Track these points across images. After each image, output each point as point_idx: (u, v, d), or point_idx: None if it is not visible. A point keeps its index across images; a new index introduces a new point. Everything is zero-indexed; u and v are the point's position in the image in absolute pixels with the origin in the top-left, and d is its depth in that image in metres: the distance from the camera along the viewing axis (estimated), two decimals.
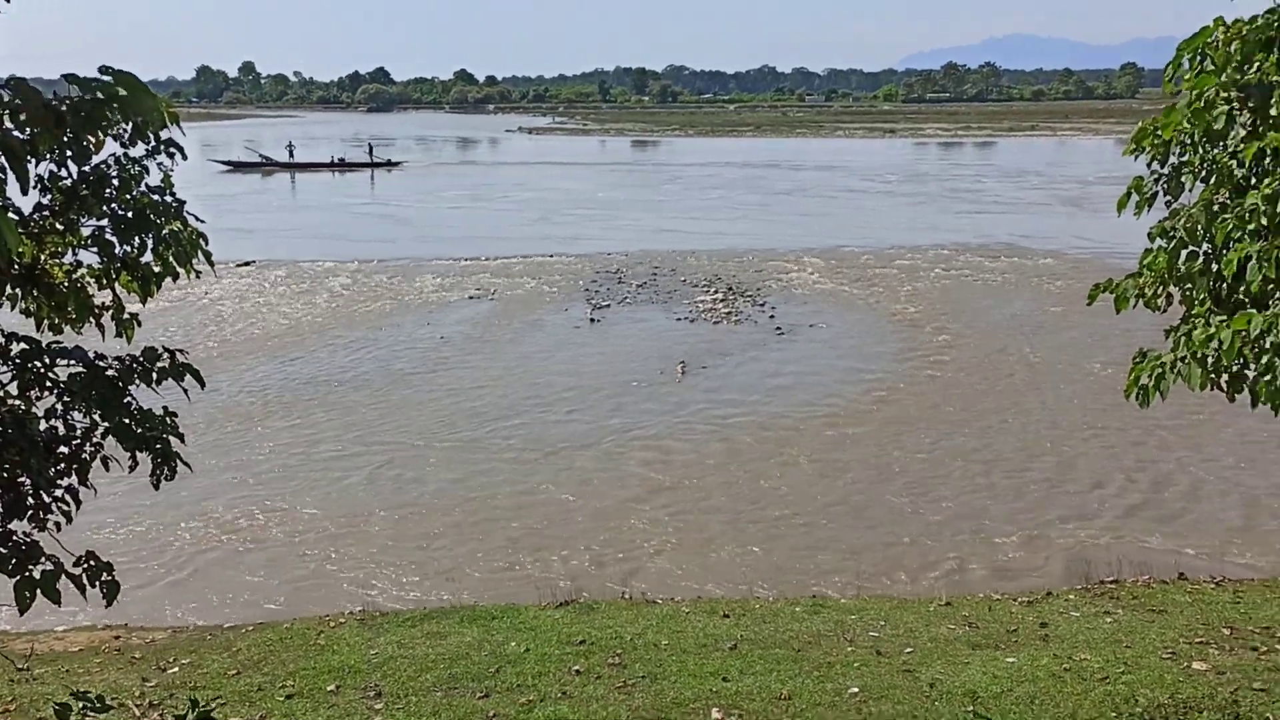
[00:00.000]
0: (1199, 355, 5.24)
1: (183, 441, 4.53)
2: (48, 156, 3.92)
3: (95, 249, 4.33)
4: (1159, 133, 5.75)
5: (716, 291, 27.20)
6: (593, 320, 24.47)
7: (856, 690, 6.87)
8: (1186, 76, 5.31)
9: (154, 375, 4.40)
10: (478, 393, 18.34)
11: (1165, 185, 5.76)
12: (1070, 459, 14.02)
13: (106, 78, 3.52)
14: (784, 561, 10.90)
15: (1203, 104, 5.12)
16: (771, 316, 24.22)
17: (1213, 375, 5.34)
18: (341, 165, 64.54)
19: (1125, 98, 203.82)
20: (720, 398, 17.76)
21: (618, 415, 16.55)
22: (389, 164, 65.72)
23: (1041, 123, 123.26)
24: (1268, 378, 4.94)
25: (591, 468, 13.96)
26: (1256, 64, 5.08)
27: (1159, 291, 5.70)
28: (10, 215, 3.75)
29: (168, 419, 4.48)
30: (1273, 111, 4.99)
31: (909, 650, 7.69)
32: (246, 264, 29.72)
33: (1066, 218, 40.38)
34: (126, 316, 4.58)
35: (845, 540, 11.57)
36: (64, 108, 3.43)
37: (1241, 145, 5.13)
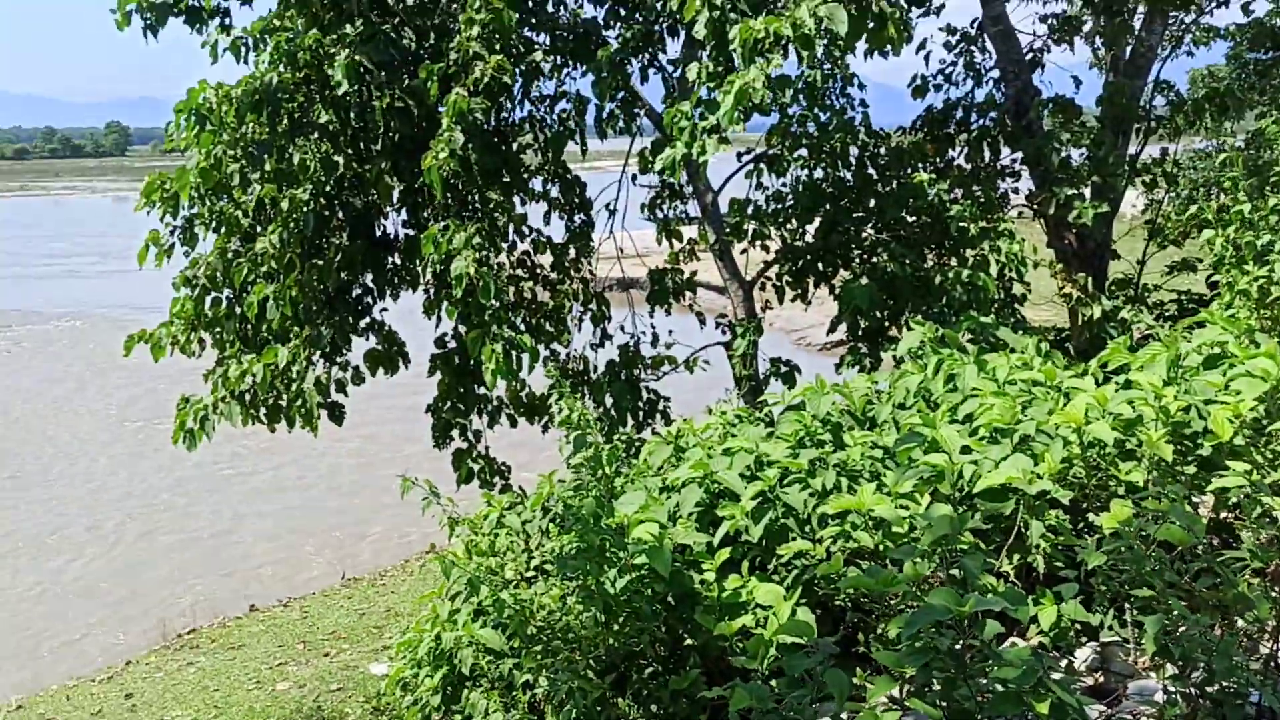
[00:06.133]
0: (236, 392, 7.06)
1: None
2: None
3: None
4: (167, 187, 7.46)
5: None
6: None
7: None
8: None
9: None
10: None
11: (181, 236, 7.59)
12: (134, 521, 16.05)
13: None
14: None
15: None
16: None
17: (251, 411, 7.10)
18: None
19: (116, 155, 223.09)
20: None
21: None
22: None
23: (31, 181, 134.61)
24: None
25: None
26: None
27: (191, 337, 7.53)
28: None
29: None
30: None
31: None
32: None
33: (76, 280, 42.83)
34: None
35: None
36: None
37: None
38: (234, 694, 8.53)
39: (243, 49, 7.78)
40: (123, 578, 15.05)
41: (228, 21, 7.93)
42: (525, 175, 8.16)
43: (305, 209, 7.22)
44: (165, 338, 7.79)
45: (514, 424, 8.65)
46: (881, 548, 4.39)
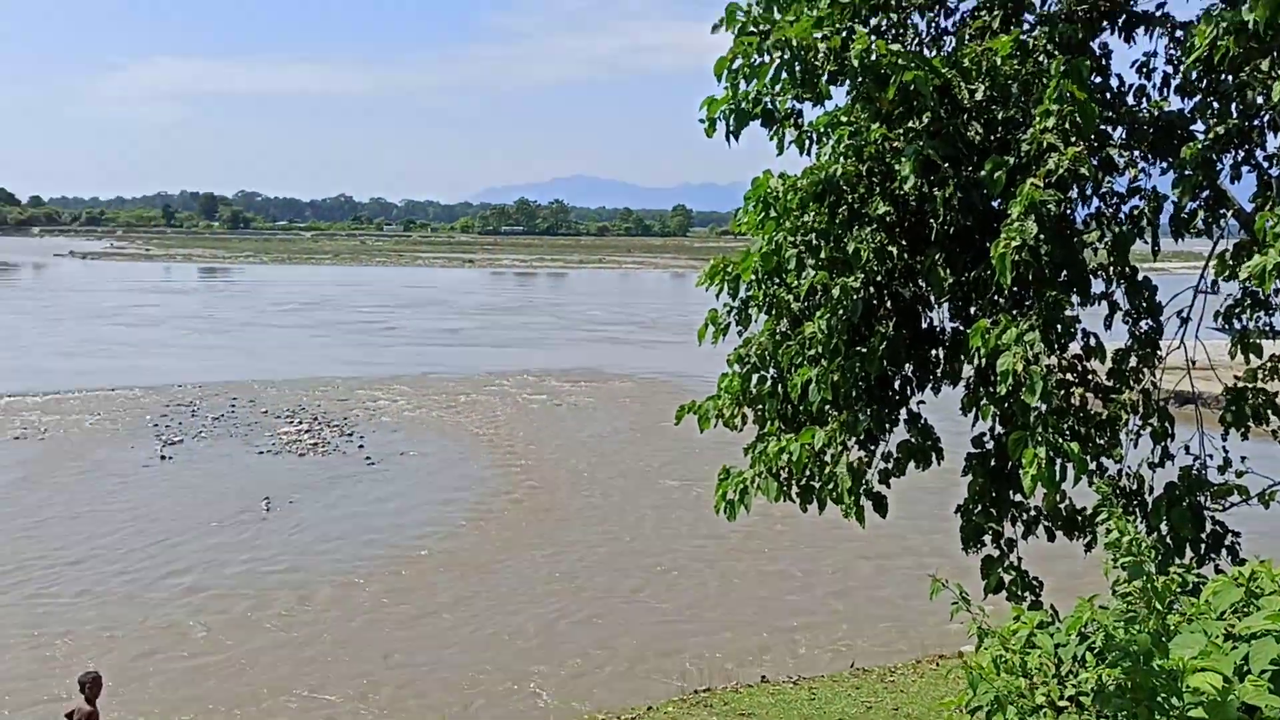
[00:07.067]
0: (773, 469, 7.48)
1: None
2: None
3: None
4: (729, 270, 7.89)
5: (301, 422, 30.68)
6: (164, 457, 26.11)
7: None
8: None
9: None
10: (30, 549, 19.05)
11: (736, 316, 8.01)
12: (659, 574, 18.35)
13: None
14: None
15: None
16: (361, 446, 28.30)
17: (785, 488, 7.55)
18: None
19: (678, 235, 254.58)
20: (308, 535, 20.28)
21: (184, 567, 18.18)
22: None
23: (608, 256, 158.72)
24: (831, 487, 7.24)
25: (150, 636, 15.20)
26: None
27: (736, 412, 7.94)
28: None
29: None
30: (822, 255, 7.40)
31: None
32: None
33: (635, 347, 51.71)
34: None
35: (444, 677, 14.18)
36: None
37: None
38: None
39: (807, 142, 8.20)
40: (642, 624, 16.37)
41: (799, 120, 8.39)
42: (1088, 274, 7.73)
43: (855, 297, 7.38)
44: (712, 410, 8.29)
45: (1051, 537, 8.14)
46: None
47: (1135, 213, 8.38)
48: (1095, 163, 7.50)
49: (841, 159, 7.65)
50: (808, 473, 7.56)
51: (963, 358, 7.54)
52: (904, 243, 7.65)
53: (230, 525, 21.33)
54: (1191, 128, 8.13)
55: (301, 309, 71.33)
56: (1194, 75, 8.10)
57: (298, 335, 56.11)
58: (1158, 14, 8.50)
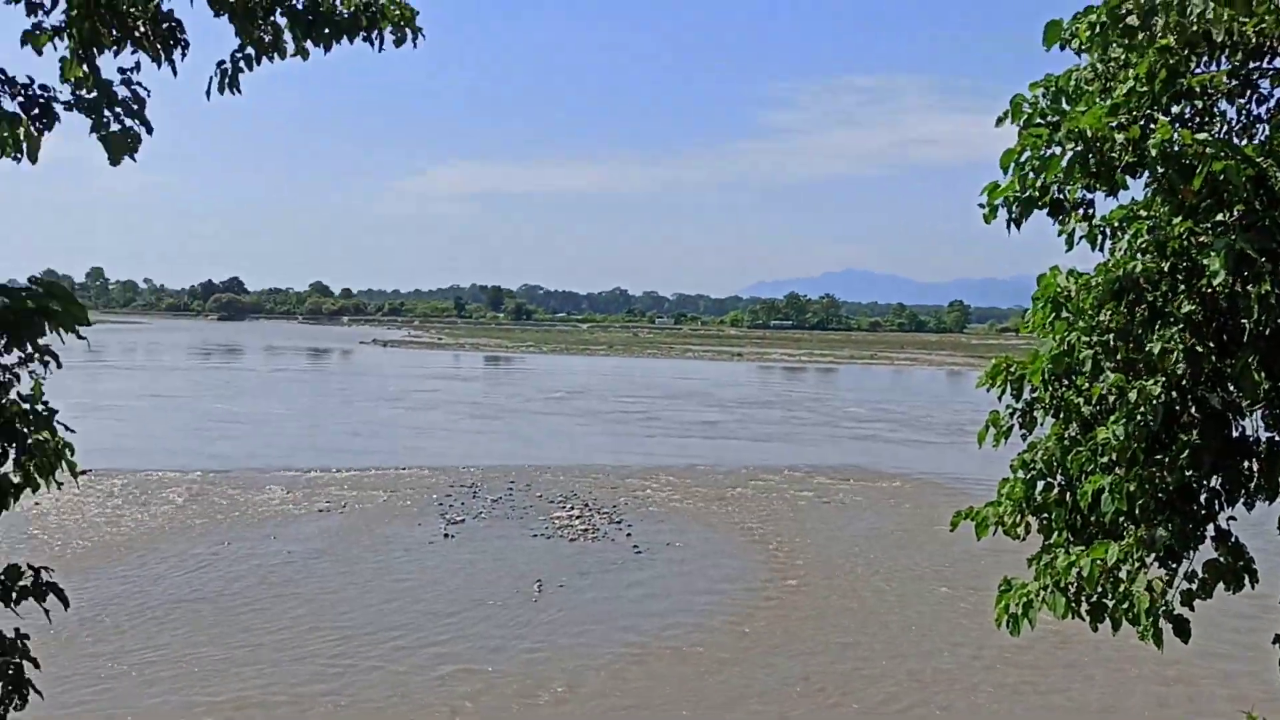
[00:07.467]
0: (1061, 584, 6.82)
1: (36, 667, 4.61)
2: None
3: None
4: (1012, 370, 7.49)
5: (573, 508, 32.06)
6: (447, 535, 28.34)
7: None
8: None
9: (14, 595, 4.30)
10: (323, 615, 20.62)
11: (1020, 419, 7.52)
12: (924, 689, 17.46)
13: (38, 289, 3.95)
14: None
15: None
16: (629, 534, 28.96)
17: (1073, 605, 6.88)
18: None
19: (954, 332, 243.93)
20: (576, 620, 20.91)
21: (459, 645, 19.18)
22: None
23: (879, 352, 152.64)
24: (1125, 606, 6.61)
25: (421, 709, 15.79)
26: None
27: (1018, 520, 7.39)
28: None
29: (19, 642, 4.44)
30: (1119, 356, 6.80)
31: None
32: (82, 472, 26.68)
33: (903, 446, 49.62)
34: None
35: None
36: None
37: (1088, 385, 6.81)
38: None
39: (1099, 237, 7.82)
40: None
41: (1090, 211, 8.03)
42: None
43: (1155, 401, 6.92)
44: (991, 517, 7.89)
45: None
46: None
47: None
48: None
49: (1140, 254, 7.26)
50: (1099, 589, 7.05)
51: None
52: (1211, 344, 7.11)
53: (504, 605, 22.18)
54: None
55: (571, 396, 74.41)
56: None
57: (566, 422, 58.39)
58: None
